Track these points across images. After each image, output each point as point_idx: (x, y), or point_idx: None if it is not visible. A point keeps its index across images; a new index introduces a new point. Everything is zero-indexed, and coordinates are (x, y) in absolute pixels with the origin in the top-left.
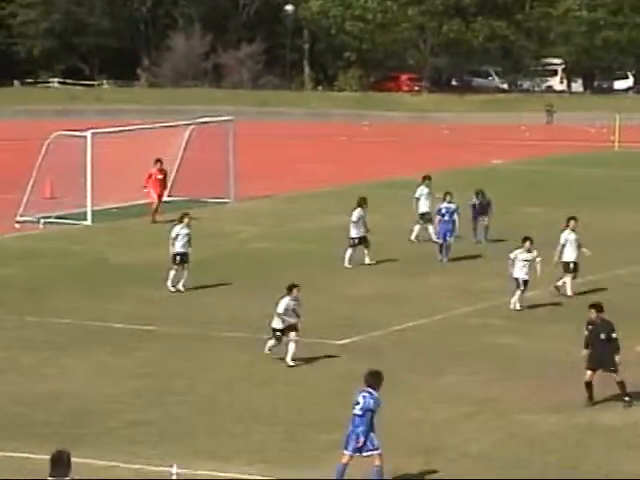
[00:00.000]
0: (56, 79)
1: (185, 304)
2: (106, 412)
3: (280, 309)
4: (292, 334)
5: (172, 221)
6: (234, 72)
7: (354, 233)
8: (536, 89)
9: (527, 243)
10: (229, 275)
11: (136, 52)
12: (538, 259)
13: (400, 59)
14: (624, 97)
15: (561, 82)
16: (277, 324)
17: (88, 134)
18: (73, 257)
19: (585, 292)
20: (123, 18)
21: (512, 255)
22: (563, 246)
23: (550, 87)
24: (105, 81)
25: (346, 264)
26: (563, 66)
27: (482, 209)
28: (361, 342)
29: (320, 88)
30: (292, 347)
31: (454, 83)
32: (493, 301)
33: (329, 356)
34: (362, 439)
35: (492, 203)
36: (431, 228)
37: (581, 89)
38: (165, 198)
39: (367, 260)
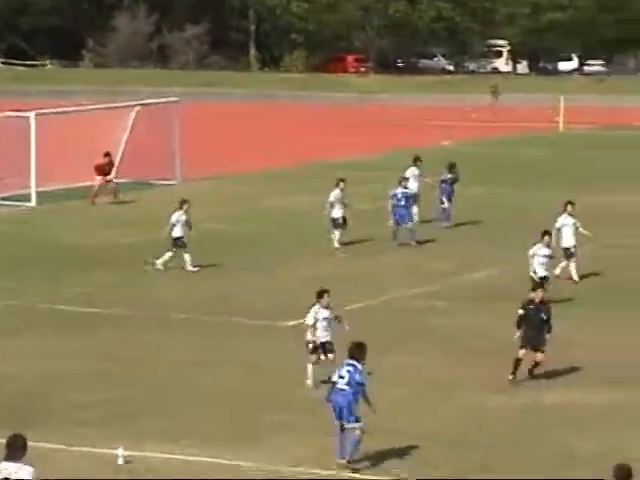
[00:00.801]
0: None
1: (134, 286)
2: (53, 394)
3: (309, 320)
4: (330, 356)
5: (112, 204)
6: (180, 53)
7: (336, 214)
8: (482, 70)
9: (547, 237)
10: (179, 257)
11: (80, 32)
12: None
13: (346, 40)
14: (569, 78)
15: (506, 63)
16: (309, 336)
17: (32, 115)
18: (18, 239)
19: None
20: None
21: (531, 252)
22: (559, 230)
23: (495, 68)
24: (49, 61)
25: (335, 244)
26: (508, 47)
27: (453, 185)
28: None
29: (266, 69)
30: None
31: (400, 64)
32: (439, 283)
33: (279, 337)
34: (345, 411)
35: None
36: (415, 209)
37: (526, 70)
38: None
39: (336, 243)
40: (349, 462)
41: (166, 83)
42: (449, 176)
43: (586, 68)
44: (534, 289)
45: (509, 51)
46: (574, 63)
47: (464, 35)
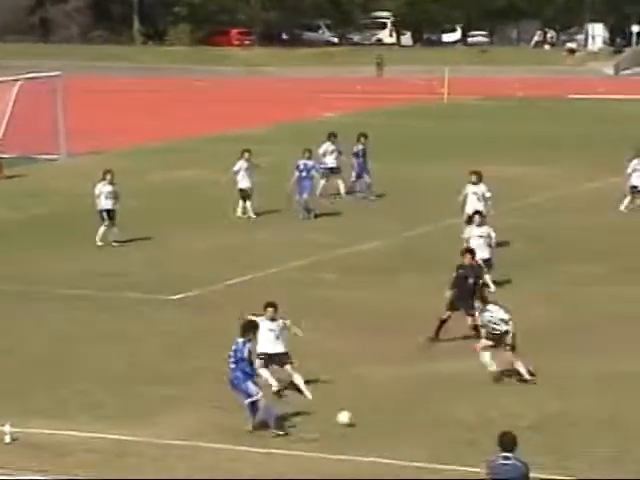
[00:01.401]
0: None
1: (13, 261)
2: None
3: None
4: (286, 367)
5: (3, 179)
6: (62, 26)
7: (243, 184)
8: (366, 42)
9: (476, 217)
10: (62, 231)
11: None
12: (493, 234)
13: (231, 14)
14: (452, 50)
15: (390, 35)
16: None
17: None
18: None
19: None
20: None
21: (465, 235)
22: (465, 196)
23: (380, 40)
24: None
25: (238, 214)
26: (392, 19)
27: (364, 157)
28: (196, 297)
29: (150, 43)
30: (298, 379)
31: (284, 37)
32: (328, 255)
33: (165, 311)
34: (243, 388)
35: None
36: (341, 183)
37: (410, 42)
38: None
39: (250, 213)
40: (277, 430)
41: (49, 57)
42: (360, 147)
43: (469, 39)
44: (462, 253)
45: (393, 23)
46: (457, 34)
47: (348, 7)
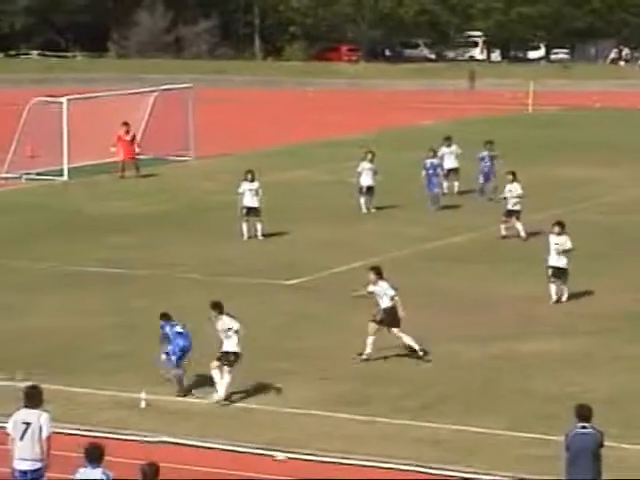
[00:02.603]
0: (35, 51)
1: (151, 249)
2: (82, 345)
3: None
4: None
5: (140, 177)
6: (193, 44)
7: (364, 182)
8: (460, 59)
9: (556, 227)
10: (190, 224)
11: (106, 27)
12: (569, 244)
13: (340, 32)
14: (537, 65)
15: (481, 52)
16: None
17: (64, 100)
18: (51, 209)
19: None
20: None
21: (550, 242)
22: (505, 198)
23: (472, 57)
24: (78, 53)
25: (363, 210)
26: (483, 38)
27: (492, 161)
28: (306, 282)
29: (269, 59)
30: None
31: (388, 53)
32: (421, 246)
33: (279, 295)
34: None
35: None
36: (456, 183)
37: (499, 58)
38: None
39: (371, 208)
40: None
41: (181, 71)
42: (485, 153)
43: (552, 56)
44: None
45: (484, 41)
46: (541, 51)
47: (444, 27)
